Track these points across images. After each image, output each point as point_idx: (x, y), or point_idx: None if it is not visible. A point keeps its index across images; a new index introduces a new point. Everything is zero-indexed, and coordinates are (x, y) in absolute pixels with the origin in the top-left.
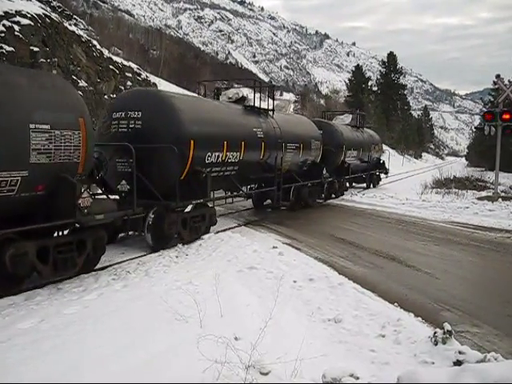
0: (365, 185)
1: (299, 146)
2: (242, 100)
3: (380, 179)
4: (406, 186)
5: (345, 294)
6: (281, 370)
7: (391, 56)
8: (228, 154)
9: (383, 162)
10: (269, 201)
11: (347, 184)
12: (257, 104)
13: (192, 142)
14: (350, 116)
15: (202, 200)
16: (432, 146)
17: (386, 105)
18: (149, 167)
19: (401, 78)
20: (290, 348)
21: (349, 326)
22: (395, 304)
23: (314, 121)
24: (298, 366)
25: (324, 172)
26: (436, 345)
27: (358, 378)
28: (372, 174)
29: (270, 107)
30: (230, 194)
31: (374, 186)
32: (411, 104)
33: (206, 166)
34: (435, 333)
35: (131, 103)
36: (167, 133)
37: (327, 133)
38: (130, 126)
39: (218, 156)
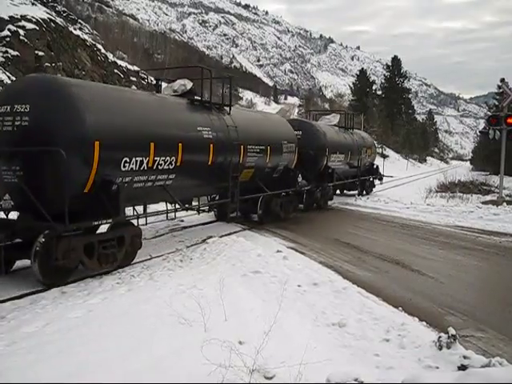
0: (357, 192)
1: (265, 148)
2: (190, 94)
3: (374, 185)
4: (405, 191)
5: (349, 299)
6: (285, 375)
7: (395, 60)
8: (157, 158)
9: (377, 166)
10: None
11: (336, 191)
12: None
13: (97, 143)
14: (338, 116)
15: (109, 220)
16: (436, 150)
17: (391, 109)
18: (39, 178)
19: (405, 81)
20: (294, 352)
21: (353, 330)
22: (399, 308)
23: (291, 120)
24: (303, 370)
25: (300, 179)
26: (440, 349)
27: (362, 383)
28: (364, 180)
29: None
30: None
31: (368, 193)
32: (415, 108)
33: (122, 175)
34: (440, 337)
35: (18, 94)
36: (61, 132)
37: (307, 134)
38: (16, 123)
39: (142, 162)
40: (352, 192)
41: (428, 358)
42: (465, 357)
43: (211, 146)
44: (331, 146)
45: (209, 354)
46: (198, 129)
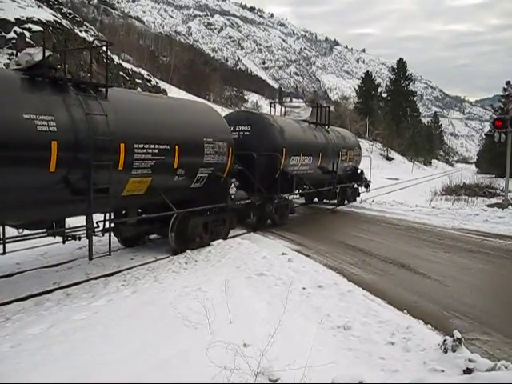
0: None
1: (169, 149)
2: (40, 68)
3: (358, 194)
4: (411, 194)
5: (354, 301)
6: (290, 377)
7: (401, 62)
8: None
9: (361, 171)
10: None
11: (308, 201)
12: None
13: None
14: (310, 110)
15: None
16: (442, 153)
17: (396, 111)
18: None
19: (410, 84)
20: (299, 355)
21: (358, 333)
22: (405, 311)
23: (238, 112)
24: (307, 373)
25: (233, 190)
26: (446, 352)
27: None
28: (345, 187)
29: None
30: None
31: (350, 202)
32: (421, 111)
33: None
34: (445, 340)
35: None
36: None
37: (257, 130)
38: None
39: None
40: (333, 201)
41: (433, 362)
42: (470, 360)
43: (53, 144)
44: (291, 145)
45: (214, 357)
46: (25, 117)
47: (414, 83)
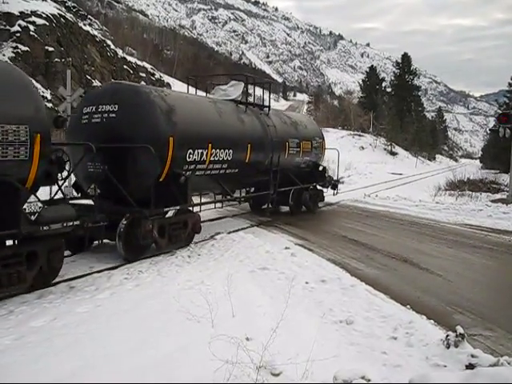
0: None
1: None
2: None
3: (322, 198)
4: (414, 189)
5: (357, 296)
6: (292, 371)
7: (405, 57)
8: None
9: (324, 169)
10: None
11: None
12: None
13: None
14: (242, 86)
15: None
16: (446, 148)
17: (400, 106)
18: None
19: (415, 79)
20: (302, 349)
21: (360, 327)
22: (407, 306)
23: (104, 86)
24: (310, 367)
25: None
26: (448, 348)
27: (369, 380)
28: (299, 190)
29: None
30: None
31: (310, 210)
32: (425, 105)
33: None
34: (447, 336)
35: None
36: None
37: (128, 110)
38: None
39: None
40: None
41: (436, 357)
42: (473, 356)
43: None
44: (187, 133)
45: (216, 350)
46: None
47: (419, 78)
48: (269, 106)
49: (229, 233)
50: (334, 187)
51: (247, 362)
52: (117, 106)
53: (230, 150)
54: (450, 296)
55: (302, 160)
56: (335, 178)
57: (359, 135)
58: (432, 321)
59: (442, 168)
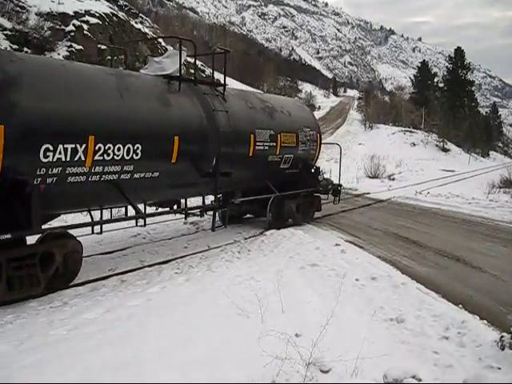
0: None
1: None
2: None
3: (319, 207)
4: (467, 186)
5: (408, 294)
6: (341, 369)
7: (458, 51)
8: None
9: (317, 168)
10: None
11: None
12: None
13: None
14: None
15: None
16: (500, 145)
17: (453, 102)
18: None
19: (468, 73)
20: (351, 346)
21: (411, 326)
22: (459, 306)
23: None
24: (359, 364)
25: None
26: (503, 349)
27: (420, 380)
28: (280, 199)
29: None
30: None
31: (296, 223)
32: (479, 101)
33: None
34: (502, 337)
35: None
36: None
37: None
38: None
39: None
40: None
41: (489, 358)
42: None
43: None
44: (45, 120)
45: (265, 346)
46: None
47: (472, 72)
48: (224, 84)
49: (278, 229)
50: (336, 193)
51: (296, 359)
52: None
53: (137, 145)
54: (504, 296)
55: (281, 159)
56: (336, 181)
57: (410, 131)
58: (485, 321)
59: (496, 165)
